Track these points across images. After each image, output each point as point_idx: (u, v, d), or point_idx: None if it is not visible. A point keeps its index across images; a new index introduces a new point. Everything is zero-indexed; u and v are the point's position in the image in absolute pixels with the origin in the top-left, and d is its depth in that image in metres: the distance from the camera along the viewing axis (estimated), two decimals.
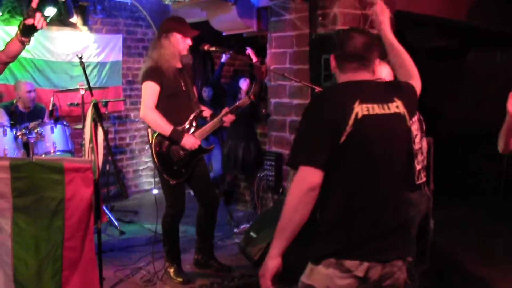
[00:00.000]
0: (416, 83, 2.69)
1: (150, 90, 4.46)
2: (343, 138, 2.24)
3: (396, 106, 2.39)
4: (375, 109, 2.31)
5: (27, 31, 3.50)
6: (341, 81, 2.45)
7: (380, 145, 2.32)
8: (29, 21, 3.43)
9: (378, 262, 2.30)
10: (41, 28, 3.54)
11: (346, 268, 2.28)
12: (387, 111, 2.34)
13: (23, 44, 3.61)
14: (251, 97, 4.87)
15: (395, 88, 2.51)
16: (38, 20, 3.44)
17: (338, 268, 2.29)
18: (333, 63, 2.48)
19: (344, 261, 2.28)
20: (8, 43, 3.67)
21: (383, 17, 2.84)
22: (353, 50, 2.40)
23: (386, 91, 2.44)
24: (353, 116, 2.25)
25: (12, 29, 6.45)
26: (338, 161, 2.27)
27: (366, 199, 2.33)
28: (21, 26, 3.50)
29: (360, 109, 2.27)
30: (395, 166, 2.41)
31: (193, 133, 4.59)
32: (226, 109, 4.78)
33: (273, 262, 2.29)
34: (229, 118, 4.75)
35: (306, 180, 2.25)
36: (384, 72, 3.77)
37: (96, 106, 3.54)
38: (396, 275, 2.37)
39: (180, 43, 4.52)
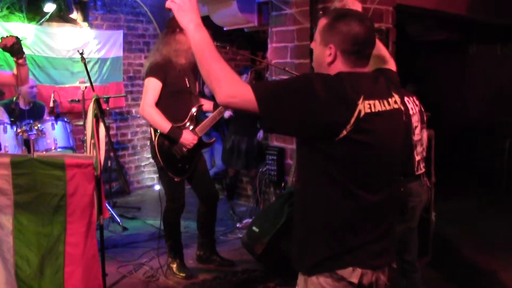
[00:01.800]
0: (393, 66, 2.60)
1: (151, 87, 4.45)
2: (339, 137, 2.05)
3: (395, 101, 2.27)
4: (377, 106, 2.16)
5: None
6: (340, 71, 2.19)
7: (381, 144, 2.18)
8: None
9: (370, 269, 2.21)
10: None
11: (339, 277, 2.18)
12: (387, 108, 2.21)
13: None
14: None
15: (391, 82, 2.38)
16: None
17: (330, 277, 2.18)
18: (333, 53, 2.19)
19: (337, 270, 2.18)
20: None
21: (355, 8, 2.68)
22: (360, 46, 2.20)
23: (385, 85, 2.29)
24: (355, 114, 2.07)
25: (11, 26, 6.45)
26: (331, 164, 2.11)
27: (368, 201, 2.19)
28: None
29: (363, 107, 2.09)
30: (395, 164, 2.32)
31: (193, 128, 4.59)
32: None
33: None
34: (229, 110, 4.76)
35: (238, 94, 2.07)
36: None
37: (97, 101, 3.54)
38: (381, 281, 2.29)
39: (188, 41, 4.51)
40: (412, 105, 3.77)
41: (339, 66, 2.19)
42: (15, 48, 4.10)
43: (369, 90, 2.15)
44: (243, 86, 2.07)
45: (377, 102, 2.16)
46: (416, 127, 3.74)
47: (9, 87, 6.34)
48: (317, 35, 2.27)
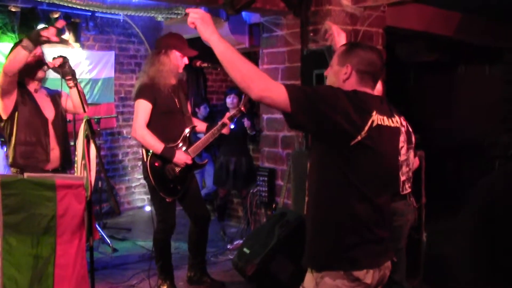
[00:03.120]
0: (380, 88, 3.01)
1: (142, 109, 4.46)
2: (355, 141, 2.31)
3: (397, 121, 2.58)
4: (385, 121, 2.45)
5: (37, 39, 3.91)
6: (355, 89, 2.51)
7: (385, 153, 2.47)
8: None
9: (377, 267, 2.44)
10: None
11: (354, 278, 2.37)
12: (392, 125, 2.51)
13: (27, 50, 3.89)
14: (242, 108, 4.87)
15: (390, 104, 2.68)
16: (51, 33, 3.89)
17: (346, 278, 2.37)
18: (349, 72, 2.50)
19: (352, 272, 2.37)
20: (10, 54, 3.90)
21: (340, 38, 3.29)
22: (373, 68, 2.53)
23: (389, 107, 2.61)
24: (369, 123, 2.34)
25: (3, 46, 6.45)
26: (347, 166, 2.36)
27: (373, 207, 2.42)
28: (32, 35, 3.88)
29: (376, 118, 2.38)
30: (394, 175, 2.66)
31: (186, 149, 4.60)
32: (226, 116, 4.79)
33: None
34: (228, 123, 4.78)
35: (272, 90, 2.26)
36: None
37: (89, 122, 3.54)
38: (385, 274, 2.53)
39: (179, 61, 4.53)
40: (399, 125, 3.80)
41: (353, 83, 2.50)
42: (65, 68, 4.13)
43: (379, 107, 2.46)
44: (277, 84, 2.28)
45: (385, 117, 2.46)
46: (402, 147, 3.78)
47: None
48: (334, 59, 2.60)
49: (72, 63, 7.08)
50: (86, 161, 3.57)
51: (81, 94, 4.30)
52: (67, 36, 7.25)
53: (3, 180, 3.28)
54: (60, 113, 4.42)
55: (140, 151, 4.77)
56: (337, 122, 2.27)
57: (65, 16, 6.99)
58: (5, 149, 5.44)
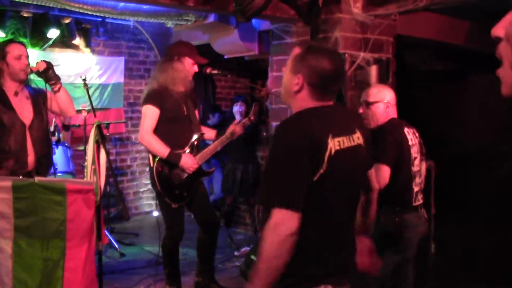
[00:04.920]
0: None
1: (149, 114, 4.48)
2: (317, 176, 2.16)
3: (358, 137, 2.38)
4: (345, 142, 2.27)
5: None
6: (305, 105, 2.33)
7: (348, 178, 2.30)
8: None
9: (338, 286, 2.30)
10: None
11: None
12: (352, 144, 2.32)
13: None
14: (251, 118, 4.88)
15: (354, 117, 2.56)
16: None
17: None
18: (300, 83, 2.32)
19: None
20: None
21: None
22: (326, 80, 2.33)
23: (349, 121, 2.43)
24: (327, 153, 2.17)
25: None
26: (309, 197, 2.16)
27: (333, 232, 2.29)
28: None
29: (333, 145, 2.20)
30: (356, 197, 2.48)
31: (194, 155, 4.60)
32: (234, 123, 4.80)
33: None
34: (240, 129, 4.77)
35: (284, 225, 2.09)
36: (387, 96, 3.80)
37: (99, 127, 3.56)
38: None
39: (190, 68, 4.55)
40: (412, 136, 3.80)
41: (305, 97, 2.33)
42: (48, 73, 4.15)
43: (336, 127, 2.27)
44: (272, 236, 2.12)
45: (344, 138, 2.28)
46: (415, 158, 3.77)
47: None
48: (289, 62, 2.40)
49: (82, 68, 7.28)
50: (96, 166, 3.59)
51: (67, 97, 4.40)
52: (78, 41, 7.30)
53: (15, 184, 3.30)
54: (40, 116, 4.31)
55: (148, 157, 4.77)
56: (305, 178, 2.14)
57: (76, 21, 7.07)
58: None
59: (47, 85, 4.24)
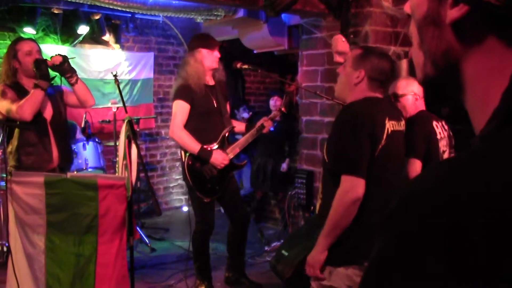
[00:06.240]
0: None
1: (179, 109, 4.48)
2: (378, 150, 2.58)
3: (403, 124, 2.82)
4: (395, 126, 2.70)
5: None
6: (364, 95, 2.70)
7: (398, 154, 2.77)
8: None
9: None
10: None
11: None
12: (400, 128, 2.76)
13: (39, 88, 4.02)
14: (283, 109, 4.86)
15: (397, 107, 2.97)
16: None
17: (358, 268, 2.60)
18: (361, 77, 2.71)
19: (365, 262, 2.51)
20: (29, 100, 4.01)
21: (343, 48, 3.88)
22: (384, 77, 2.73)
23: (397, 110, 2.90)
24: (386, 131, 2.61)
25: (46, 47, 6.56)
26: (369, 172, 2.56)
27: (383, 206, 2.53)
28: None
29: (389, 125, 2.64)
30: (400, 178, 2.86)
31: (224, 149, 4.59)
32: (264, 119, 4.77)
33: (322, 255, 2.67)
34: (269, 124, 4.75)
35: (353, 191, 2.51)
36: (416, 88, 3.76)
37: (130, 123, 3.56)
38: None
39: (207, 58, 4.52)
40: (441, 129, 3.74)
41: (363, 89, 2.71)
42: (64, 67, 4.17)
43: (390, 112, 2.72)
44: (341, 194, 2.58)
45: (395, 122, 2.72)
46: (444, 151, 3.72)
47: None
48: (348, 61, 2.79)
49: (112, 64, 7.32)
50: (127, 162, 3.60)
51: (85, 87, 4.40)
52: (108, 37, 7.35)
53: (47, 180, 3.33)
54: (59, 112, 4.39)
55: (179, 152, 4.78)
56: (369, 151, 2.58)
57: (106, 17, 7.11)
58: None
59: (63, 78, 4.27)
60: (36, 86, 4.05)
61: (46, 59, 4.18)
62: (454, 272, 0.55)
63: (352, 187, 2.51)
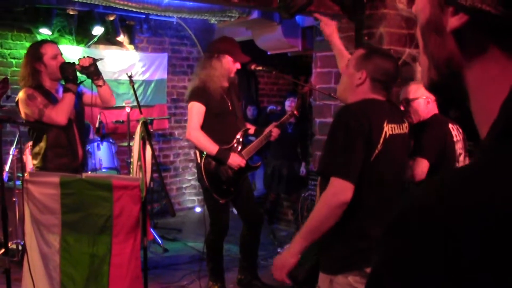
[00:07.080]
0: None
1: (195, 111, 4.48)
2: (373, 156, 2.47)
3: (406, 127, 2.72)
4: (396, 129, 2.59)
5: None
6: (365, 97, 2.61)
7: (398, 158, 2.63)
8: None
9: None
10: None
11: (366, 274, 2.41)
12: (401, 132, 2.65)
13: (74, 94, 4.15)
14: (295, 112, 4.86)
15: (400, 109, 2.86)
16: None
17: (359, 275, 2.46)
18: (363, 78, 2.60)
19: (366, 268, 2.44)
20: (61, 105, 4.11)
21: (330, 29, 3.71)
22: (387, 78, 2.63)
23: (399, 112, 2.77)
24: (383, 135, 2.50)
25: (62, 48, 6.58)
26: (364, 177, 2.45)
27: (385, 205, 2.49)
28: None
29: (388, 129, 2.53)
30: (401, 181, 2.75)
31: (240, 151, 4.60)
32: (273, 124, 4.78)
33: (293, 259, 2.54)
34: (276, 132, 4.75)
35: (339, 194, 2.40)
36: (427, 92, 3.74)
37: (145, 124, 3.58)
38: None
39: (230, 66, 4.52)
40: (456, 132, 3.74)
41: (365, 90, 2.61)
42: (91, 69, 4.21)
43: (390, 115, 2.60)
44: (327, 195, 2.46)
45: (396, 125, 2.61)
46: (460, 154, 3.72)
47: None
48: (351, 61, 2.70)
49: (126, 65, 7.35)
50: (142, 163, 3.61)
51: (109, 89, 4.50)
52: (122, 38, 7.38)
53: (63, 180, 3.35)
54: (81, 113, 4.46)
55: (193, 153, 4.79)
56: (361, 155, 2.45)
57: (120, 18, 7.14)
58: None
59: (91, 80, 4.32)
60: (67, 90, 4.13)
61: (73, 63, 4.21)
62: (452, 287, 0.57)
63: (340, 190, 2.39)
